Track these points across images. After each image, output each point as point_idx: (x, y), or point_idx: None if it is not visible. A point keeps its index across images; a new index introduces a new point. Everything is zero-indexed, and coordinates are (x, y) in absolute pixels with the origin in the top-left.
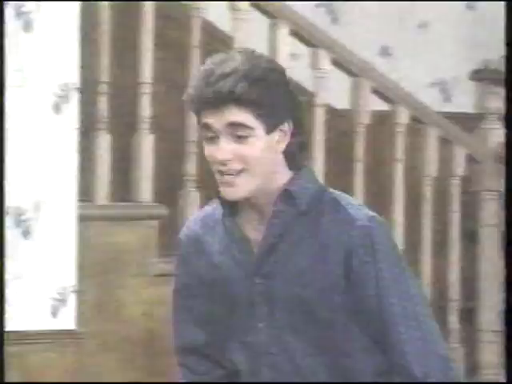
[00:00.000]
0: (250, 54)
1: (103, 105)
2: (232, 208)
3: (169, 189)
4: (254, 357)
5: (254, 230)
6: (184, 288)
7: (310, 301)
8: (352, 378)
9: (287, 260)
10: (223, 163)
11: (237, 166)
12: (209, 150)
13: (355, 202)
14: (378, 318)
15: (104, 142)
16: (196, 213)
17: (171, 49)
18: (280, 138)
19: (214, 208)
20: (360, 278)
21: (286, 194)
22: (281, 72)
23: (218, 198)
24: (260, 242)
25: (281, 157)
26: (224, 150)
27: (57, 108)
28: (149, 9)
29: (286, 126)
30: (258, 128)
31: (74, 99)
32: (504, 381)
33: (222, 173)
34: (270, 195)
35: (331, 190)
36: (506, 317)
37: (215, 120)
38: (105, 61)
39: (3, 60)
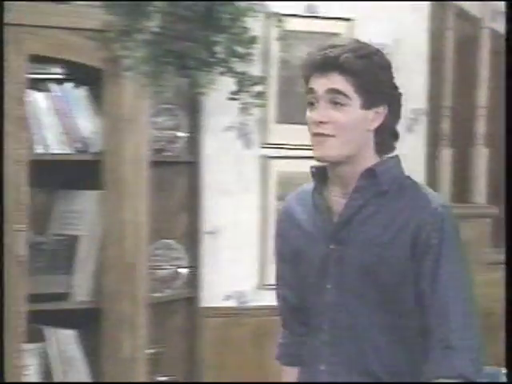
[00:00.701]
0: (363, 41)
1: (446, 125)
2: (322, 182)
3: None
4: (319, 313)
5: (337, 203)
6: (279, 255)
7: (376, 268)
8: (399, 336)
9: (361, 231)
10: (318, 125)
11: (329, 130)
12: (309, 113)
13: (432, 191)
14: (430, 298)
15: (447, 155)
16: (297, 188)
17: (501, 79)
18: (374, 118)
19: (311, 185)
20: (423, 255)
21: (370, 173)
22: (386, 62)
23: (311, 173)
24: (340, 212)
25: (371, 137)
26: (321, 112)
27: (409, 129)
28: (486, 44)
29: (382, 110)
30: (355, 100)
31: (423, 121)
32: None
33: (316, 135)
34: (355, 174)
35: (412, 178)
36: (507, 316)
37: (319, 85)
38: (447, 89)
39: (3, 60)
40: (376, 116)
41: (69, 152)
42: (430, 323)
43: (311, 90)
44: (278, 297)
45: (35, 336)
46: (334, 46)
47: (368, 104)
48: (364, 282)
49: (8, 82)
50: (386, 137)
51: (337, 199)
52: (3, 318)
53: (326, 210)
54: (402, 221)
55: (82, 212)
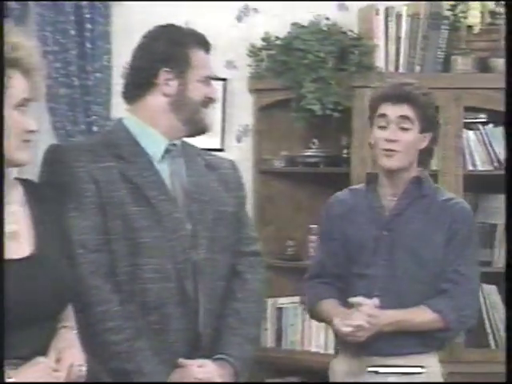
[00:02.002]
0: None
1: None
2: (374, 185)
3: None
4: (370, 283)
5: (388, 201)
6: (327, 232)
7: (420, 250)
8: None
9: (408, 222)
10: (389, 142)
11: (397, 146)
12: (380, 133)
13: (451, 195)
14: (452, 268)
15: None
16: (345, 189)
17: None
18: (423, 140)
19: (361, 186)
20: (455, 240)
21: (417, 180)
22: (435, 100)
23: (367, 178)
24: (392, 207)
25: (417, 154)
26: (394, 133)
27: None
28: None
29: (428, 135)
30: (416, 125)
31: None
32: None
33: (385, 150)
34: (405, 180)
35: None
36: (507, 315)
37: (391, 112)
38: None
39: (3, 59)
40: (424, 139)
41: (489, 169)
42: (445, 284)
43: (383, 115)
44: (316, 260)
45: None
46: (406, 84)
47: (422, 130)
48: (410, 259)
49: (448, 125)
50: (426, 155)
51: (387, 198)
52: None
53: (379, 206)
54: (440, 217)
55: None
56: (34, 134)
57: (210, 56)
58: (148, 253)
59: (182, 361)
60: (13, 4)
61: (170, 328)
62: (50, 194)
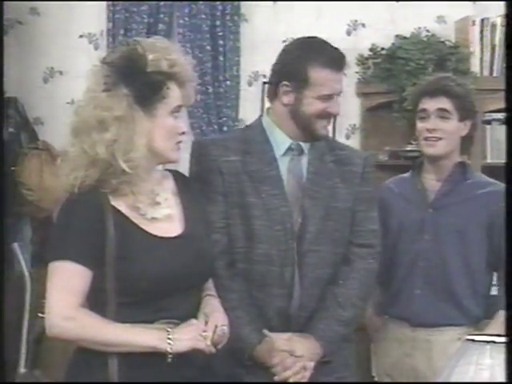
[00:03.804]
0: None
1: None
2: (418, 171)
3: None
4: (417, 254)
5: (431, 185)
6: (380, 211)
7: (463, 227)
8: (472, 272)
9: (453, 203)
10: (430, 132)
11: (438, 134)
12: (421, 125)
13: (492, 180)
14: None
15: None
16: (399, 176)
17: None
18: (464, 128)
19: (409, 174)
20: (497, 227)
21: (461, 164)
22: (471, 88)
23: (412, 165)
24: (437, 190)
25: (459, 141)
26: (433, 123)
27: None
28: None
29: (468, 122)
30: (455, 114)
31: None
32: None
33: (427, 138)
34: (449, 165)
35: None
36: (508, 315)
37: (430, 106)
38: None
39: (2, 58)
40: (465, 127)
41: None
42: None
43: (423, 110)
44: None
45: None
46: (442, 78)
47: (462, 118)
48: (455, 237)
49: None
50: (467, 142)
51: (431, 183)
52: (3, 315)
53: (422, 189)
54: (485, 200)
55: None
56: (184, 135)
57: (338, 74)
58: (257, 238)
59: (267, 333)
60: (160, 26)
61: (269, 305)
62: (194, 183)
